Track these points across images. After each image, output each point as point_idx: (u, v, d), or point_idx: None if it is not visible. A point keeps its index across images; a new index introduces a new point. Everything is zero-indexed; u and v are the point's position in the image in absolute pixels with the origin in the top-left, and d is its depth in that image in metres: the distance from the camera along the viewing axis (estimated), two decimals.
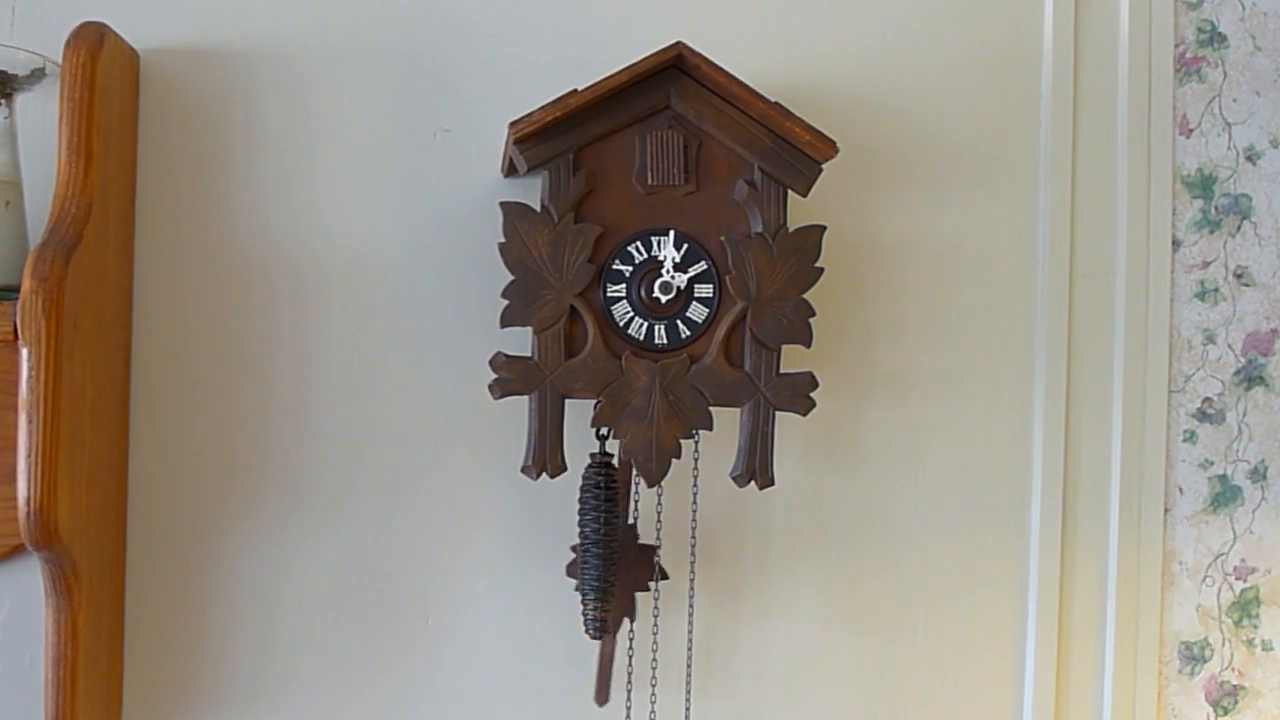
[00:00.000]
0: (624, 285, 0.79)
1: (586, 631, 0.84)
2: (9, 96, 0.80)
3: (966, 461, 0.97)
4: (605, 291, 0.79)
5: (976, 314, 0.98)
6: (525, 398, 0.79)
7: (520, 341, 0.80)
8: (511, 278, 0.78)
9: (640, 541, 0.88)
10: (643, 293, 0.79)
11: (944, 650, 0.98)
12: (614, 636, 0.88)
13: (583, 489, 0.83)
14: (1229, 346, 1.02)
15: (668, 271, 0.78)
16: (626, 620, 0.89)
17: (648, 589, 0.89)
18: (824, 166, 0.81)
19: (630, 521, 0.88)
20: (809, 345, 0.82)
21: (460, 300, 0.91)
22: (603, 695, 0.90)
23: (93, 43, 0.76)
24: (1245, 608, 1.02)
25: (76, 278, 0.72)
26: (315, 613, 0.90)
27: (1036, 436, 0.98)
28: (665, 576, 0.89)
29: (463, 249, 0.91)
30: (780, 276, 0.80)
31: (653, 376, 0.79)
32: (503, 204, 0.78)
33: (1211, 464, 1.02)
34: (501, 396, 0.78)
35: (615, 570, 0.83)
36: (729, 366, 0.80)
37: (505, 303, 0.78)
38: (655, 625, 0.90)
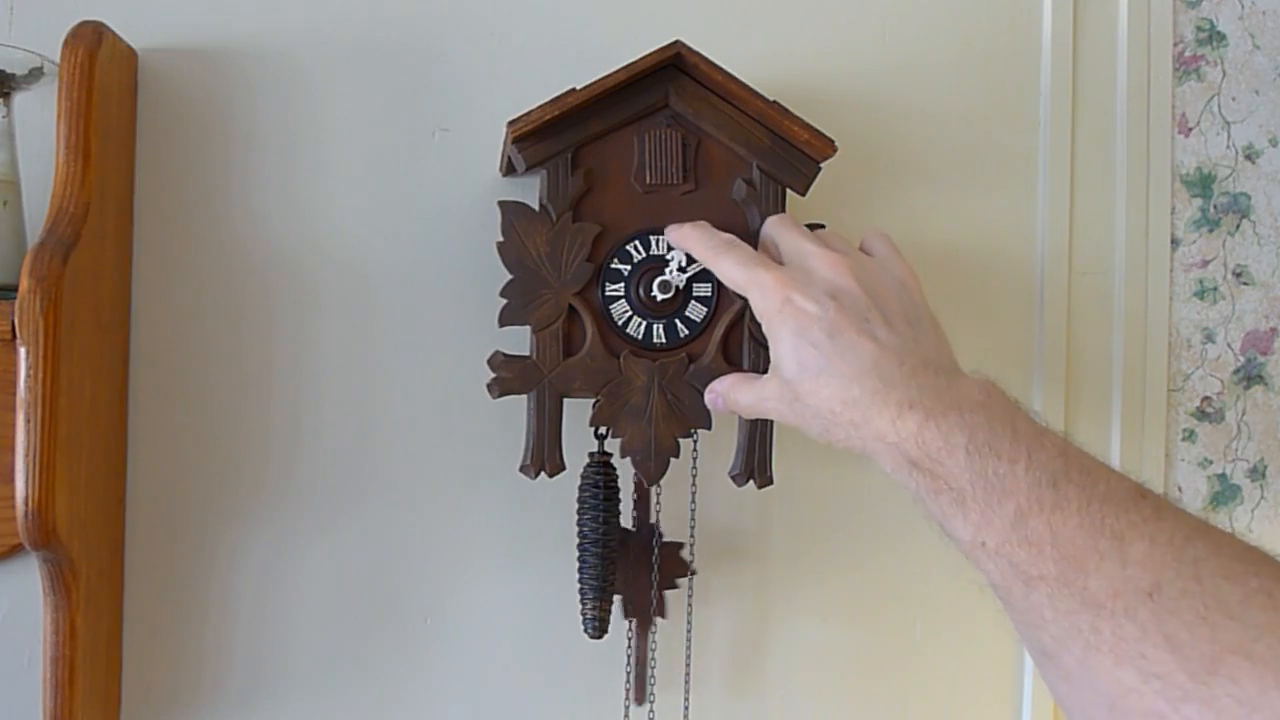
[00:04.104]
0: (622, 284, 0.79)
1: (585, 631, 0.84)
2: (7, 95, 0.80)
3: None
4: (604, 290, 0.79)
5: (975, 313, 0.98)
6: (523, 397, 0.79)
7: (518, 341, 0.80)
8: (510, 277, 0.78)
9: (665, 540, 0.88)
10: (641, 292, 0.79)
11: (944, 648, 0.98)
12: (646, 635, 0.89)
13: (581, 488, 0.83)
14: (1228, 345, 1.02)
15: (670, 271, 0.78)
16: (658, 618, 0.89)
17: (676, 586, 0.89)
18: (823, 165, 0.81)
19: (652, 520, 0.88)
20: None
21: (458, 299, 0.91)
22: (640, 693, 0.90)
23: (91, 42, 0.76)
24: None
25: (74, 277, 0.72)
26: (314, 612, 0.90)
27: None
28: (694, 572, 0.89)
29: (461, 248, 0.90)
30: None
31: (651, 375, 0.79)
32: (501, 203, 0.78)
33: (1211, 463, 1.02)
34: (500, 395, 0.78)
35: (615, 569, 0.83)
36: (727, 365, 0.80)
37: (503, 302, 0.78)
38: (654, 625, 0.90)
